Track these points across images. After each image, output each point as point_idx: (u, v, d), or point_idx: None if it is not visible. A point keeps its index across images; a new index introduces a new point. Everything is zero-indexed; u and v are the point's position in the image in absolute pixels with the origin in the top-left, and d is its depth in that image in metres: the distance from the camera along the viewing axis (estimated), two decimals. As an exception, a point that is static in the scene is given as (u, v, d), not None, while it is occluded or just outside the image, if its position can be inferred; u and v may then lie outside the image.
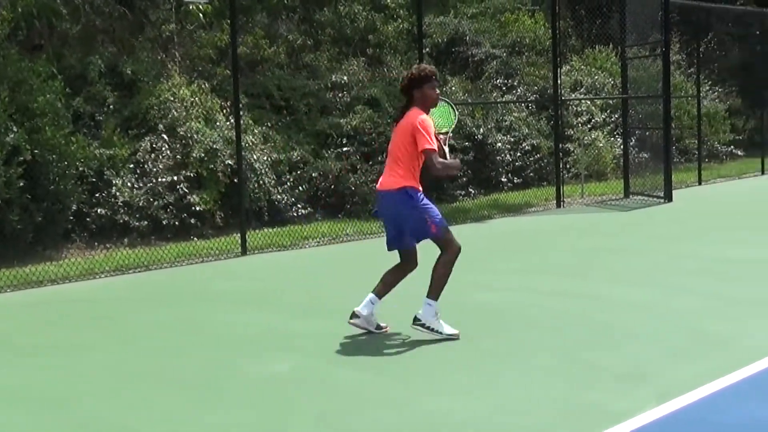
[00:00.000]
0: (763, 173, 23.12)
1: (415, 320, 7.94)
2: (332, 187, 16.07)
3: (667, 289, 9.68)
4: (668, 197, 17.65)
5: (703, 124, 23.13)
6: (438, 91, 8.16)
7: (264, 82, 17.01)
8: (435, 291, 7.87)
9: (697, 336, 7.75)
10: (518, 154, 19.65)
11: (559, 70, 18.18)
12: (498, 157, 19.07)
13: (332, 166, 16.13)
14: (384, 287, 8.18)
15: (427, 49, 19.98)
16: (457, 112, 8.65)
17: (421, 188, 7.99)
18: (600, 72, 23.39)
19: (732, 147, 25.66)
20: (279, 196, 15.25)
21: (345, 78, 18.04)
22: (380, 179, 8.11)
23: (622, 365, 6.95)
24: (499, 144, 19.14)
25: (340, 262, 12.70)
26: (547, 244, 13.43)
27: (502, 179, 19.08)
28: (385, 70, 19.51)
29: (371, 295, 8.13)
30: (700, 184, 21.07)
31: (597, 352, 7.38)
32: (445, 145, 8.21)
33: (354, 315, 8.08)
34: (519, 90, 21.28)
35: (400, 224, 8.00)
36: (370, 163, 16.75)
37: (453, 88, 19.36)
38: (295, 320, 8.98)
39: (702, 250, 12.14)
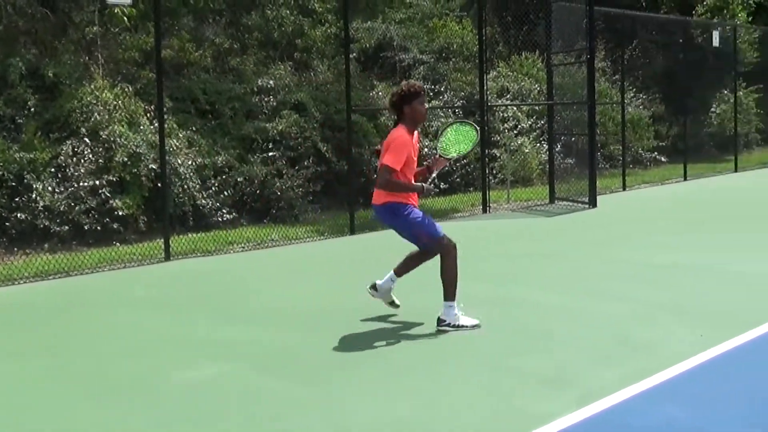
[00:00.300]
0: (685, 179, 23.39)
1: (439, 321, 8.27)
2: (258, 192, 15.97)
3: (592, 295, 9.75)
4: (593, 203, 17.79)
5: (627, 131, 23.39)
6: (427, 107, 8.51)
7: (189, 85, 16.86)
8: (449, 292, 8.25)
9: (621, 341, 7.79)
10: (445, 159, 19.63)
11: (485, 76, 18.23)
12: (425, 162, 19.01)
13: (258, 171, 16.02)
14: (404, 268, 8.66)
15: (354, 54, 19.97)
16: (476, 142, 8.89)
17: (410, 199, 8.36)
18: (526, 78, 23.55)
19: (656, 153, 25.94)
20: (203, 201, 15.11)
21: (271, 82, 17.95)
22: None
23: (547, 370, 6.97)
24: (426, 149, 19.12)
25: (265, 267, 12.61)
26: (473, 249, 13.41)
27: (429, 184, 19.04)
28: (312, 74, 19.47)
29: (391, 273, 8.64)
30: (624, 189, 21.26)
31: (523, 356, 7.40)
32: (435, 169, 8.61)
33: (373, 287, 8.70)
34: (446, 95, 21.33)
35: (400, 233, 8.52)
36: (296, 168, 16.69)
37: (380, 93, 19.36)
38: (220, 326, 8.87)
39: (626, 255, 12.23)
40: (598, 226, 15.59)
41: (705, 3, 28.69)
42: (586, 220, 16.42)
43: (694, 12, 28.54)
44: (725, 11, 28.72)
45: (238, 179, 15.88)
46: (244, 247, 13.91)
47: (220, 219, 15.29)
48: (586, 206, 17.72)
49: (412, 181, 8.37)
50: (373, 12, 22.34)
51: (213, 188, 15.48)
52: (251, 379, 7.05)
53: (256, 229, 15.00)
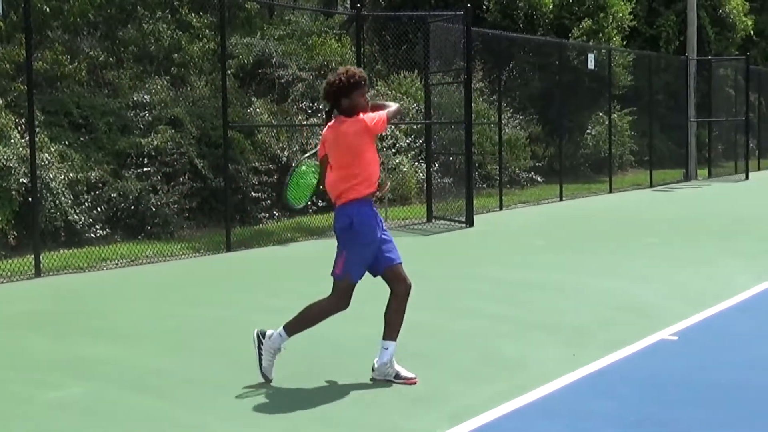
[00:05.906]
0: (561, 199, 23.70)
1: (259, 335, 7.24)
2: (132, 207, 15.70)
3: (461, 312, 9.81)
4: (470, 222, 17.91)
5: (504, 151, 23.60)
6: (368, 99, 7.24)
7: (62, 99, 16.54)
8: (295, 326, 7.22)
9: (489, 359, 7.85)
10: (322, 177, 19.59)
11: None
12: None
13: (132, 187, 15.77)
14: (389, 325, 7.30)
15: (232, 70, 19.81)
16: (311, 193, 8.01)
17: (365, 198, 7.33)
18: (405, 97, 23.63)
19: (532, 173, 26.24)
20: (76, 217, 14.79)
21: (147, 97, 17.72)
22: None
23: (416, 387, 6.96)
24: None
25: (139, 284, 12.40)
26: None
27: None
28: (189, 89, 19.27)
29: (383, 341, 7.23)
30: (501, 209, 21.45)
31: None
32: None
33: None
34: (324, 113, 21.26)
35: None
36: (172, 184, 16.48)
37: (258, 110, 19.26)
38: (89, 345, 8.68)
39: (497, 274, 12.35)
40: (473, 245, 15.72)
41: (581, 26, 29.19)
42: (462, 239, 16.53)
43: (570, 35, 29.03)
44: (600, 35, 29.26)
45: (112, 195, 15.60)
46: (117, 264, 13.67)
47: (93, 235, 14.99)
48: (463, 225, 17.84)
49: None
50: (252, 28, 22.24)
51: (86, 203, 15.18)
52: (120, 397, 6.90)
53: (130, 245, 14.76)
